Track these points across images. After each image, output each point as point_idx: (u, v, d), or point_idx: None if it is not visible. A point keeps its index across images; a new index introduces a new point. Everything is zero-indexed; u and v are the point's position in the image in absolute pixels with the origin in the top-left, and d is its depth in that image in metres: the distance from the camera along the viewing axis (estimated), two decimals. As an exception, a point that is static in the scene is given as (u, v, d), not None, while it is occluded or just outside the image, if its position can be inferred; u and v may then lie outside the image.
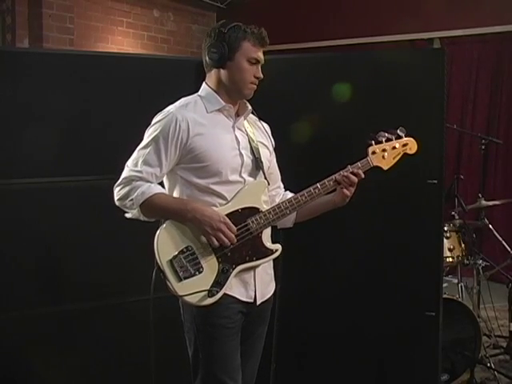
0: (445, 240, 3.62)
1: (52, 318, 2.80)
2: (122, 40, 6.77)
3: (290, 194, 2.28)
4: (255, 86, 2.13)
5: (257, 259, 2.09)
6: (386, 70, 2.94)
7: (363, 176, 2.15)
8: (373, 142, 2.20)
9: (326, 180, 2.14)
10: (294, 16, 7.07)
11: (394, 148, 2.22)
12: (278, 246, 2.14)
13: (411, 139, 2.25)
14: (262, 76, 2.12)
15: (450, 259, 3.76)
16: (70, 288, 2.84)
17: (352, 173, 2.14)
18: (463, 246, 3.82)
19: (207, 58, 2.11)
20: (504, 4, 5.98)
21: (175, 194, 2.13)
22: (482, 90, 6.37)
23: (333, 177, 2.14)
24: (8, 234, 2.69)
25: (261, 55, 2.11)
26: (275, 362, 2.93)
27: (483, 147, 4.48)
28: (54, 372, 2.79)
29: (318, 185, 2.13)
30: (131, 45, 6.86)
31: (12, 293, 2.69)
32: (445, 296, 3.36)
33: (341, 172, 2.15)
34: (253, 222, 2.07)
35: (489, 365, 3.62)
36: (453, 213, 3.94)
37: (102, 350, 2.88)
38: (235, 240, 2.03)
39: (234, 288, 2.10)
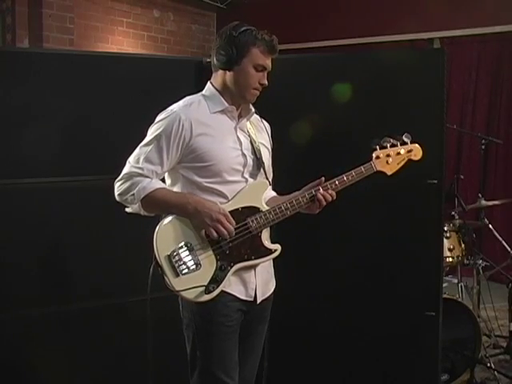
0: (445, 240, 3.62)
1: (52, 318, 2.80)
2: (121, 40, 6.77)
3: (273, 193, 2.29)
4: (258, 92, 2.14)
5: (255, 258, 2.10)
6: (386, 70, 2.94)
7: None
8: (377, 146, 2.20)
9: (328, 183, 2.14)
10: (293, 16, 7.07)
11: (399, 154, 2.23)
12: (278, 246, 2.14)
13: (416, 145, 2.26)
14: (266, 83, 2.12)
15: (450, 259, 3.75)
16: (70, 288, 2.84)
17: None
18: (463, 246, 3.81)
19: (215, 59, 2.12)
20: (504, 4, 5.98)
21: (176, 192, 2.15)
22: (482, 90, 6.37)
23: (334, 180, 2.15)
24: (8, 234, 2.69)
25: (268, 63, 2.11)
26: (267, 360, 2.92)
27: (483, 147, 4.48)
28: (55, 371, 2.80)
29: (319, 187, 2.13)
30: (131, 45, 6.86)
31: (12, 293, 2.69)
32: (445, 296, 3.36)
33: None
34: (252, 221, 2.08)
35: (489, 365, 3.62)
36: (453, 213, 3.94)
37: (102, 350, 2.88)
38: (234, 233, 2.04)
39: (234, 286, 2.11)
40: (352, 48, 6.77)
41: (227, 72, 2.11)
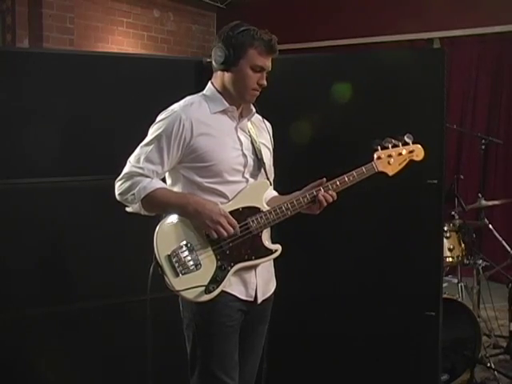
0: (445, 240, 3.62)
1: (52, 318, 2.80)
2: (122, 40, 6.77)
3: (274, 193, 2.29)
4: (257, 93, 2.13)
5: (256, 258, 2.10)
6: (386, 70, 2.94)
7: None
8: (379, 147, 2.20)
9: (329, 183, 2.14)
10: (293, 16, 7.07)
11: (400, 154, 2.23)
12: (278, 246, 2.14)
13: (418, 146, 2.26)
14: (265, 84, 2.12)
15: (450, 259, 3.76)
16: (71, 288, 2.84)
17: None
18: (463, 245, 3.82)
19: (213, 60, 2.11)
20: (504, 4, 5.98)
21: (177, 192, 2.15)
22: (482, 89, 6.37)
23: (336, 180, 2.15)
24: (8, 234, 2.69)
25: (267, 63, 2.10)
26: (266, 361, 2.93)
27: (483, 147, 4.48)
28: (55, 371, 2.80)
29: (321, 188, 2.13)
30: (131, 45, 6.86)
31: (13, 292, 2.69)
32: (445, 296, 3.36)
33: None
34: (253, 221, 2.08)
35: (489, 365, 3.62)
36: (453, 213, 3.94)
37: (102, 350, 2.88)
38: (238, 233, 2.04)
39: (234, 286, 2.11)
40: (352, 48, 6.76)
41: (225, 73, 2.11)
